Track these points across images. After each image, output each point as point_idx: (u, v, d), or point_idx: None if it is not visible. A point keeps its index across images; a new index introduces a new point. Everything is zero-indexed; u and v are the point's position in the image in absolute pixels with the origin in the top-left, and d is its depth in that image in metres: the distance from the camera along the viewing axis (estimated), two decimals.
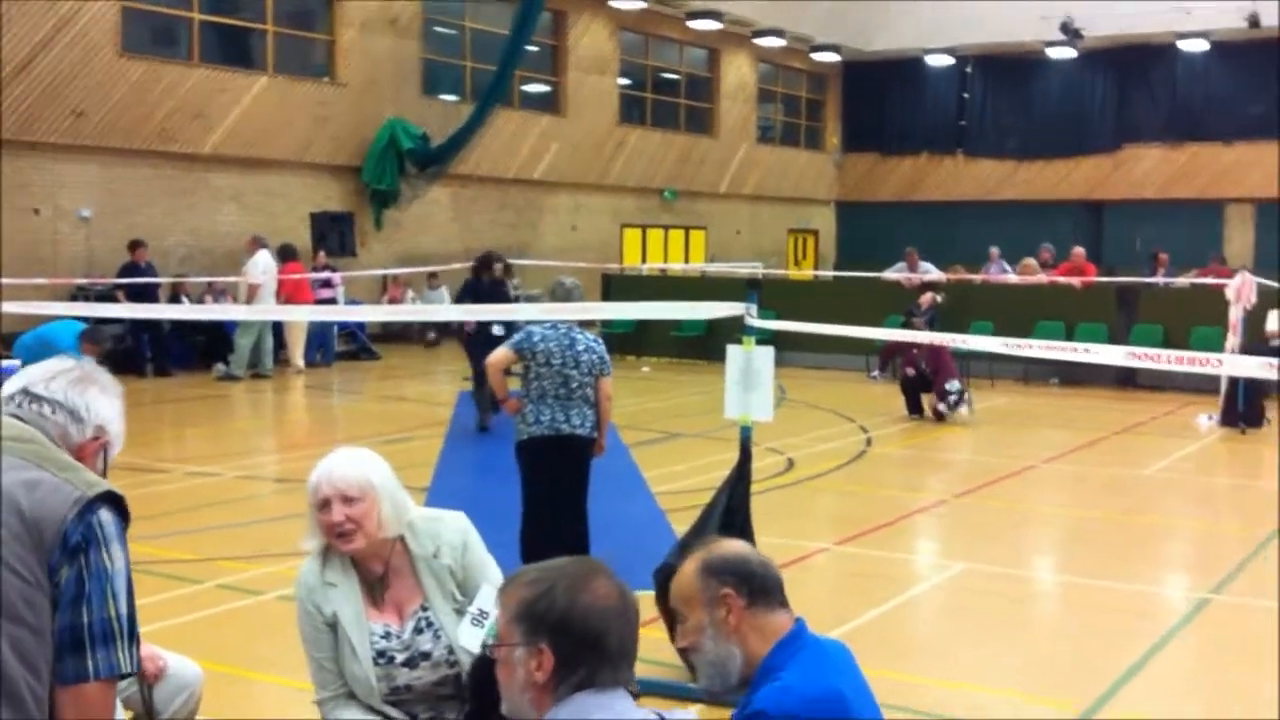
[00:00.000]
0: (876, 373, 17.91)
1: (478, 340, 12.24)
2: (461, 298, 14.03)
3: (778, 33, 31.06)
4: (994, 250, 22.33)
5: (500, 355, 7.04)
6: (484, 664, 2.70)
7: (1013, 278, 20.57)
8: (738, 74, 32.47)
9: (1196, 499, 10.82)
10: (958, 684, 5.90)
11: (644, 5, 27.42)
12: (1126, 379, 16.98)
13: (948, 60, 33.64)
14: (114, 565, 2.44)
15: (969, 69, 33.95)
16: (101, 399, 2.74)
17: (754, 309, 5.90)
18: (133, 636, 2.48)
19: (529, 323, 7.19)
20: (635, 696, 2.45)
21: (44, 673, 2.38)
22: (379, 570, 3.59)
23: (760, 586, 2.77)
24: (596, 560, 2.54)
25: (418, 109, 23.36)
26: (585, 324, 7.28)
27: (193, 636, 5.85)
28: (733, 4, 28.79)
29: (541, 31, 25.95)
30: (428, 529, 3.64)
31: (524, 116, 26.16)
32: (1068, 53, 31.47)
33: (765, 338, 5.97)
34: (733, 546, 2.88)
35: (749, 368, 5.81)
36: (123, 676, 2.50)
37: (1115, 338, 16.65)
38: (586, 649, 2.34)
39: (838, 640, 2.90)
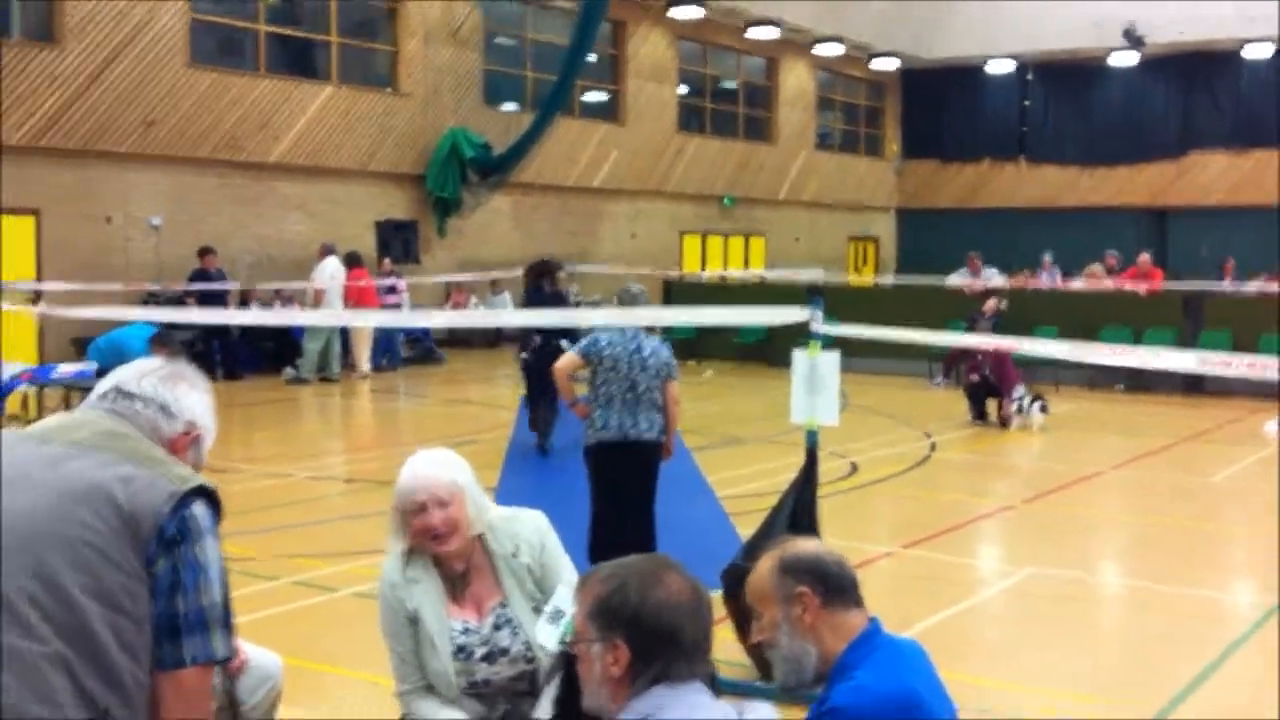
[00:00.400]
0: (940, 379, 17.84)
1: (543, 359, 10.40)
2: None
3: (836, 40, 31.00)
4: (1046, 257, 22.17)
5: (568, 360, 7.17)
6: (572, 657, 2.78)
7: (1076, 284, 20.42)
8: (796, 81, 32.46)
9: (1264, 507, 10.67)
10: (1026, 687, 5.89)
11: (702, 14, 27.49)
12: (1194, 385, 16.81)
13: (1008, 67, 33.42)
14: (208, 556, 2.54)
15: (1029, 75, 33.70)
16: (191, 394, 2.82)
17: (819, 314, 5.94)
18: (227, 624, 2.57)
19: (591, 330, 7.27)
20: (716, 690, 2.51)
21: (145, 659, 2.47)
22: (460, 568, 3.66)
23: (836, 586, 2.82)
24: (668, 557, 2.60)
25: (479, 118, 23.59)
26: (649, 329, 7.35)
27: (269, 631, 5.96)
28: (791, 13, 28.79)
29: (601, 41, 26.07)
30: (507, 528, 3.71)
31: (584, 125, 26.32)
32: (1130, 59, 31.17)
33: (828, 343, 6.00)
34: (808, 545, 2.92)
35: (814, 373, 5.85)
36: (219, 662, 2.60)
37: (1183, 344, 16.48)
38: (661, 643, 2.40)
39: (912, 639, 2.94)
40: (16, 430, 2.71)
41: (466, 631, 3.64)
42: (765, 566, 2.86)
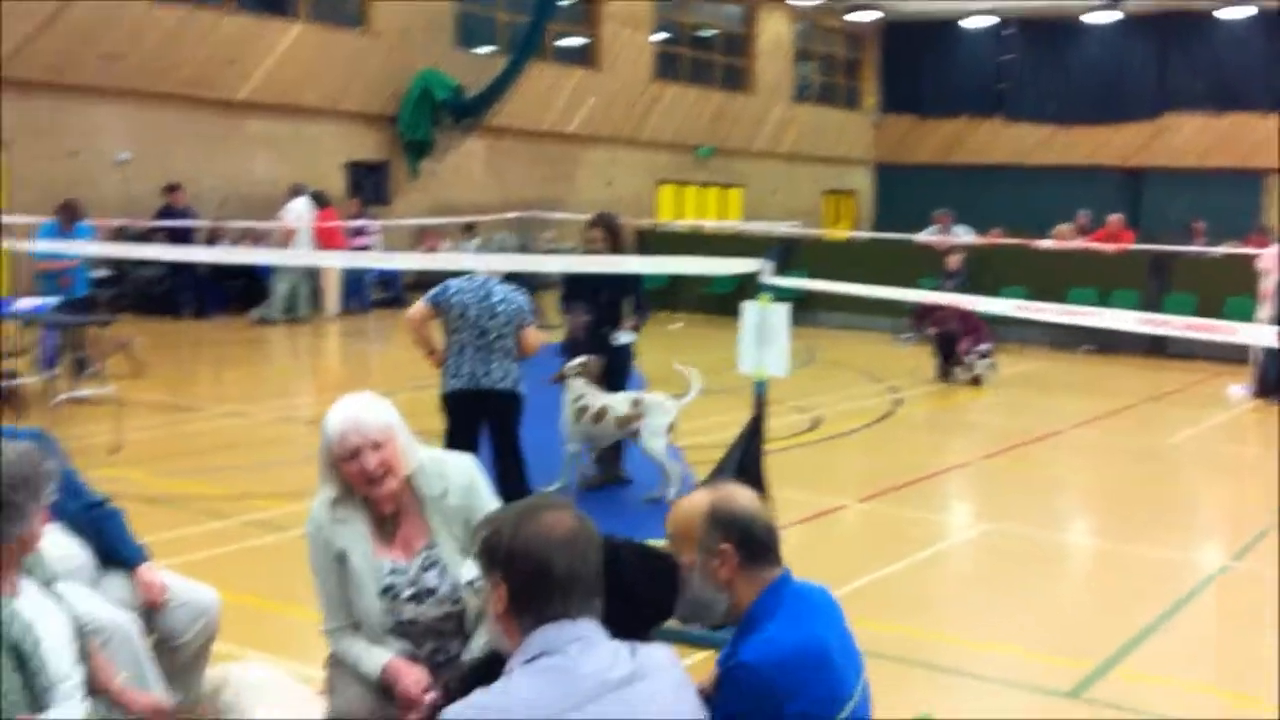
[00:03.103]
0: (908, 334, 17.86)
1: (588, 348, 8.27)
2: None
3: None
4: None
5: (418, 310, 7.10)
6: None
7: (1044, 243, 20.35)
8: (774, 31, 32.24)
9: (1223, 468, 10.77)
10: (974, 642, 5.93)
11: None
12: (1158, 347, 16.86)
13: (987, 22, 33.29)
14: None
15: (1008, 31, 33.60)
16: None
17: (771, 266, 5.92)
18: None
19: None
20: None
21: None
22: (390, 509, 3.67)
23: (759, 549, 2.83)
24: (559, 498, 2.68)
25: (451, 60, 23.33)
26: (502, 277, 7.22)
27: (218, 569, 5.93)
28: None
29: None
30: (436, 470, 3.72)
31: (559, 70, 26.08)
32: (1109, 18, 31.10)
33: (794, 296, 5.97)
34: (743, 502, 2.89)
35: (764, 323, 5.83)
36: None
37: (1147, 305, 16.51)
38: (532, 577, 2.45)
39: (822, 587, 2.96)
40: None
41: (394, 572, 3.65)
42: (697, 508, 2.85)
